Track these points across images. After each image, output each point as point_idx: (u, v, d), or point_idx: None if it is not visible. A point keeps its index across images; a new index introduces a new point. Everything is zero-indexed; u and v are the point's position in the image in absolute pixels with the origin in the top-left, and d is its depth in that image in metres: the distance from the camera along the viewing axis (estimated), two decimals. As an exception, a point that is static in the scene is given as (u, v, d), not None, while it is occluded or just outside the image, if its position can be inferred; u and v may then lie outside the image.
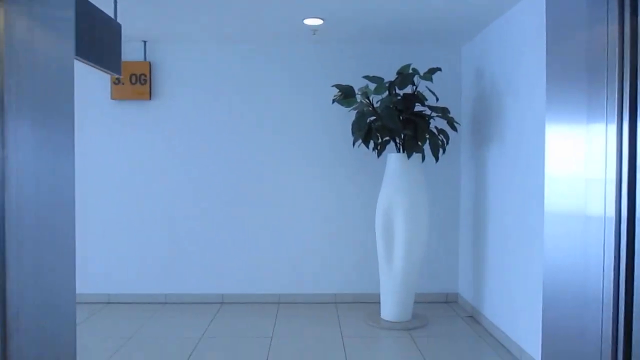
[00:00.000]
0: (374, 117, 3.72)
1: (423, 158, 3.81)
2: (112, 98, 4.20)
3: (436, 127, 3.77)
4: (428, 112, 3.96)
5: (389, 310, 3.76)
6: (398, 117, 3.54)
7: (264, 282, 4.30)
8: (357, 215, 4.29)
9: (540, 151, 2.85)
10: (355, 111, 3.68)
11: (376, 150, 3.84)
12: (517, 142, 3.17)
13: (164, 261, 4.29)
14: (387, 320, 3.77)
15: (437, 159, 3.70)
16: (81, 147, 4.25)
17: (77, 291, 4.27)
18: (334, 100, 3.59)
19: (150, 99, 4.23)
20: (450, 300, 4.35)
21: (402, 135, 3.71)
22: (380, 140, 3.83)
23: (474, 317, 3.90)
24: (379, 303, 4.24)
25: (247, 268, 4.30)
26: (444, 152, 3.76)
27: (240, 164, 4.27)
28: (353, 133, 3.62)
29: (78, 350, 3.35)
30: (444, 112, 3.71)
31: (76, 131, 4.26)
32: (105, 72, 2.90)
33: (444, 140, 3.82)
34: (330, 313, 4.02)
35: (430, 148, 3.69)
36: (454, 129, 3.75)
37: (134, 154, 4.26)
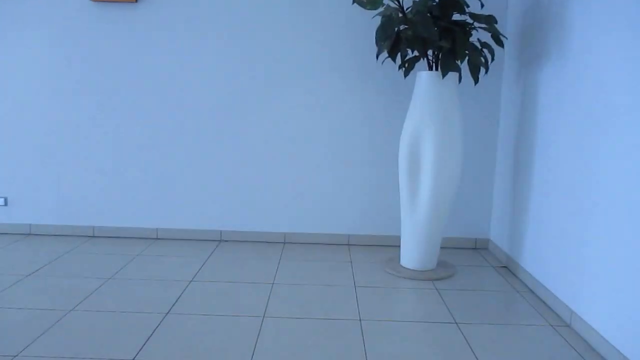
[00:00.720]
0: (404, 27, 3.04)
1: (460, 78, 3.16)
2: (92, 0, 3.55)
3: (479, 40, 3.08)
4: (470, 21, 3.28)
5: (410, 256, 3.23)
6: (433, 25, 2.86)
7: (267, 218, 3.78)
8: (377, 145, 3.69)
9: (619, 72, 2.20)
10: (381, 16, 2.99)
11: (403, 68, 3.19)
12: (584, 62, 2.50)
13: (156, 192, 3.77)
14: (407, 268, 3.25)
15: (476, 80, 3.04)
16: (54, 57, 3.64)
17: (54, 222, 3.80)
18: (354, 1, 2.91)
19: (136, 1, 3.56)
20: (479, 247, 3.81)
21: (436, 50, 3.04)
22: (409, 56, 3.17)
23: (508, 268, 3.36)
24: (399, 247, 3.72)
25: (249, 202, 3.77)
26: (486, 71, 3.09)
27: (243, 84, 3.65)
28: (377, 42, 2.95)
29: (47, 291, 2.94)
30: (489, 22, 3.02)
31: (50, 39, 3.63)
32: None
33: (488, 56, 3.16)
34: (342, 257, 3.51)
35: (469, 66, 3.02)
36: (500, 43, 3.06)
37: (116, 68, 3.65)
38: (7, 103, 3.70)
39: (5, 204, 3.80)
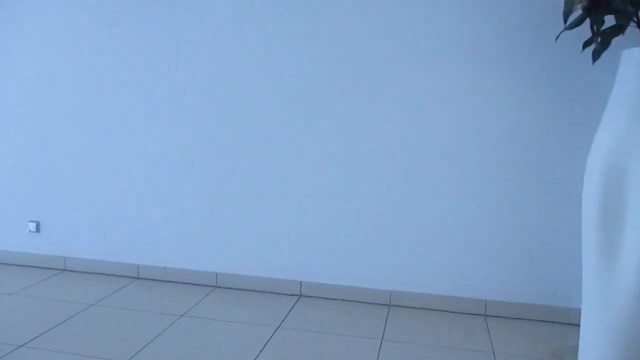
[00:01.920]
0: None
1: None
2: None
3: None
4: None
5: (601, 356, 1.93)
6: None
7: (367, 270, 2.65)
8: (531, 170, 2.43)
9: None
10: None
11: (597, 42, 1.91)
12: None
13: (218, 227, 2.79)
14: (594, 378, 1.96)
15: None
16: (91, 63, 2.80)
17: (92, 257, 2.96)
18: None
19: (195, -36, 2.61)
20: (701, 333, 2.39)
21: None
22: (605, 28, 1.90)
23: None
24: (577, 332, 2.40)
25: (342, 246, 2.66)
26: None
27: (309, 87, 2.56)
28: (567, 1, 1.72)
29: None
30: None
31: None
32: None
33: None
34: (477, 341, 2.28)
35: None
36: None
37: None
38: (38, 112, 2.92)
39: (37, 229, 3.02)
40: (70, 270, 3.00)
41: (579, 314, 2.43)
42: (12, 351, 2.02)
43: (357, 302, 2.66)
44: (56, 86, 2.89)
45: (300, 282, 2.72)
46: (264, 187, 2.70)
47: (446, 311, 2.57)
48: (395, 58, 2.48)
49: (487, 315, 2.53)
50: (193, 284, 2.84)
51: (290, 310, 2.53)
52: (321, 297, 2.70)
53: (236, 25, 2.62)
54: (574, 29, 2.27)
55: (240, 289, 2.78)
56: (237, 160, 2.71)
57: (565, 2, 1.72)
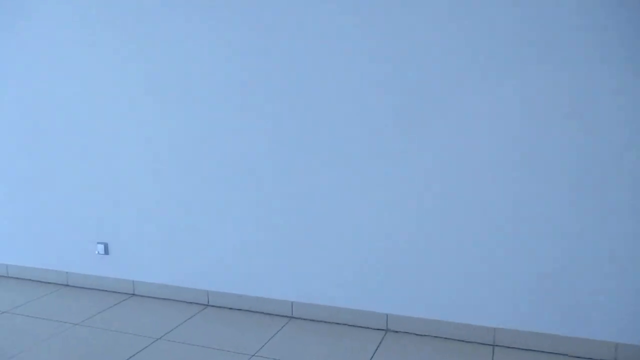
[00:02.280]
0: None
1: None
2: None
3: None
4: None
5: None
6: None
7: (460, 302, 2.25)
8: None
9: None
10: None
11: None
12: None
13: (293, 253, 2.49)
14: None
15: None
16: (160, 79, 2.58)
17: (161, 281, 2.76)
18: None
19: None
20: None
21: None
22: None
23: None
24: None
25: (421, 280, 2.28)
26: None
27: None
28: None
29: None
30: None
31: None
32: None
33: None
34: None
35: None
36: None
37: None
38: (110, 136, 2.75)
39: (106, 251, 2.87)
40: (139, 295, 2.82)
41: None
42: (68, 402, 1.82)
43: (454, 340, 2.27)
44: (126, 108, 2.71)
45: (387, 315, 2.36)
46: (344, 212, 2.36)
47: (565, 355, 2.12)
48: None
49: (619, 363, 2.06)
50: (266, 314, 2.57)
51: (376, 350, 2.18)
52: (411, 333, 2.33)
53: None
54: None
55: (319, 321, 2.47)
56: (313, 183, 2.39)
57: None
